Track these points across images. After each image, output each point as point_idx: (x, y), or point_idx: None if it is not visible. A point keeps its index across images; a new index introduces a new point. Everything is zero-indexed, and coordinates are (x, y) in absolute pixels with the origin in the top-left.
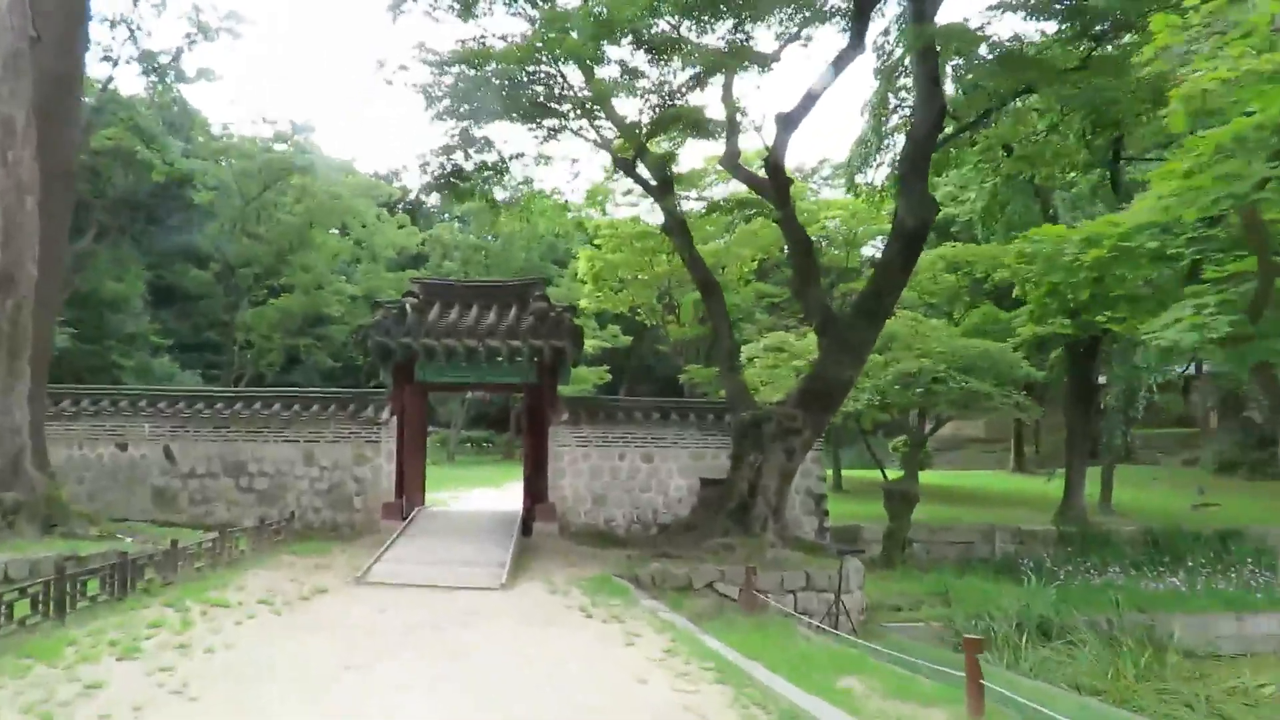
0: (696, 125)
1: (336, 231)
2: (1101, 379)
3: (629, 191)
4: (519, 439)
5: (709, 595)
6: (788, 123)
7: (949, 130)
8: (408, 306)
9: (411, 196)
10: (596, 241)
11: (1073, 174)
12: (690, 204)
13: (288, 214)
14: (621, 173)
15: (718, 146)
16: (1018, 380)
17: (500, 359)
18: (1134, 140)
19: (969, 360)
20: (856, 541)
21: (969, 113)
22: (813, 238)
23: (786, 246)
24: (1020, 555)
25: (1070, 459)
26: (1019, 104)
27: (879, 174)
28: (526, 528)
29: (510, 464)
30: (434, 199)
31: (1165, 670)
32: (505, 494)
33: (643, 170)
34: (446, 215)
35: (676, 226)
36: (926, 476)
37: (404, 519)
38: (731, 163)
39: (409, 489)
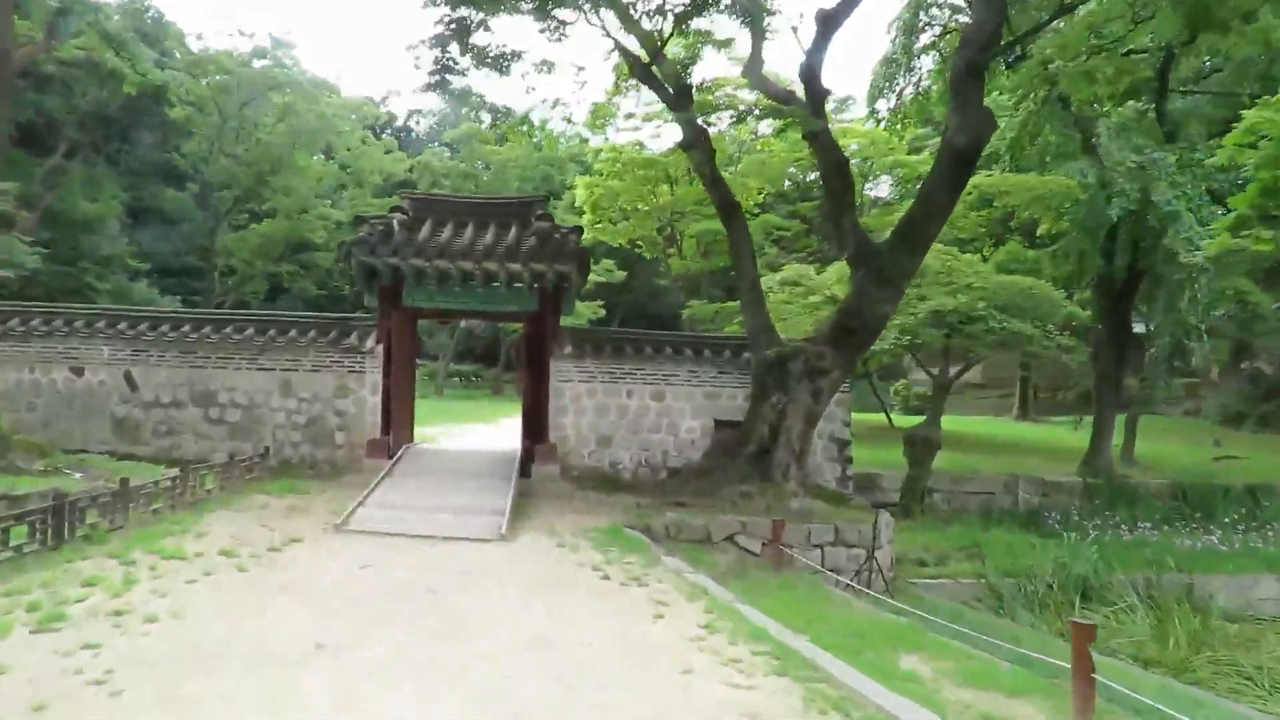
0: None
1: (321, 156)
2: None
3: (631, 115)
4: (508, 374)
5: (729, 550)
6: (828, 23)
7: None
8: (395, 223)
9: (400, 121)
10: (597, 167)
11: (1108, 107)
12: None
13: (268, 134)
14: (636, 81)
15: (734, 68)
16: (1058, 321)
17: (498, 284)
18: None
19: (1008, 298)
20: (875, 491)
21: (1023, 24)
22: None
23: (820, 167)
24: (1045, 508)
25: (1100, 407)
26: (1074, 15)
27: (904, 97)
28: (525, 469)
29: (500, 400)
30: (423, 126)
31: (1213, 637)
32: (500, 431)
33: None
34: (436, 143)
35: (697, 139)
36: None
37: (391, 457)
38: (756, 73)
39: (396, 425)
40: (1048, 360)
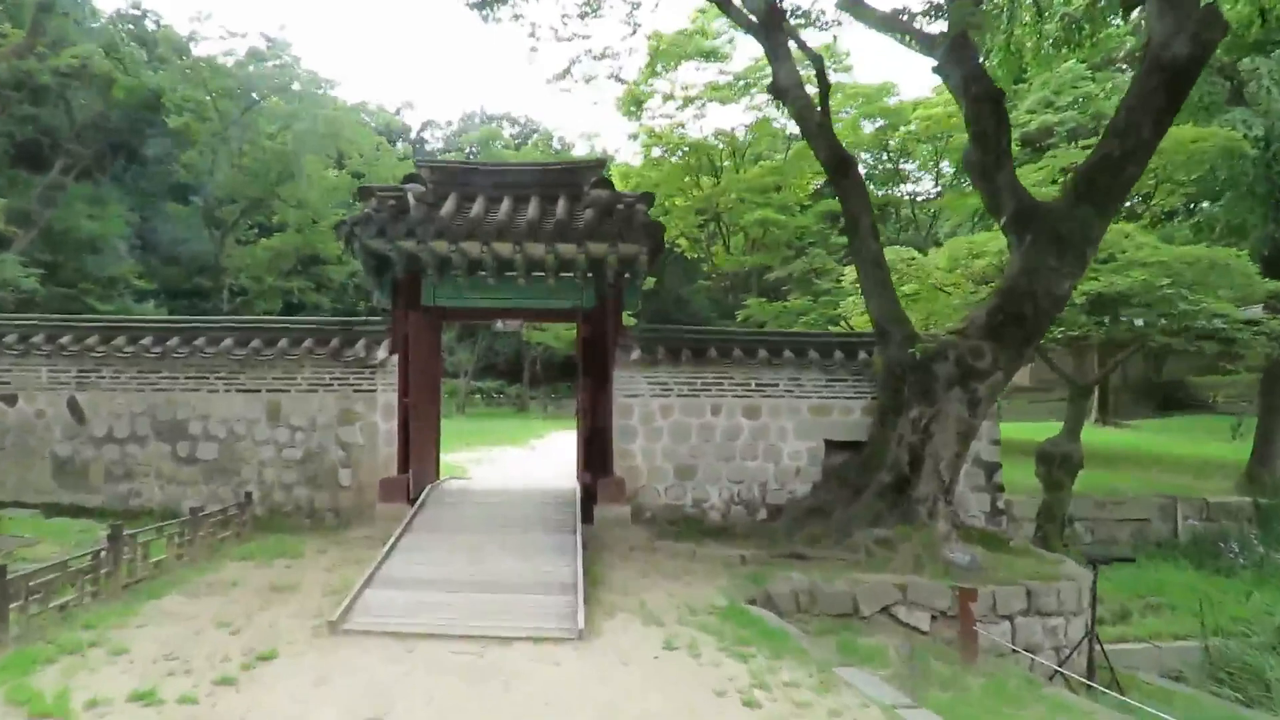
0: None
1: (335, 168)
2: None
3: (669, 98)
4: (533, 390)
5: (886, 626)
6: None
7: None
8: (411, 197)
9: (415, 133)
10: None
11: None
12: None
13: (273, 141)
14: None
15: None
16: (1257, 299)
17: (544, 272)
18: None
19: (1197, 274)
20: (1003, 522)
21: None
22: (896, 141)
23: (964, 104)
24: (1210, 536)
25: (1266, 412)
26: None
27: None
28: (585, 512)
29: (527, 417)
30: (437, 138)
31: None
32: (535, 456)
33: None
34: (452, 151)
35: (791, 83)
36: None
37: (411, 502)
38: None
39: (417, 459)
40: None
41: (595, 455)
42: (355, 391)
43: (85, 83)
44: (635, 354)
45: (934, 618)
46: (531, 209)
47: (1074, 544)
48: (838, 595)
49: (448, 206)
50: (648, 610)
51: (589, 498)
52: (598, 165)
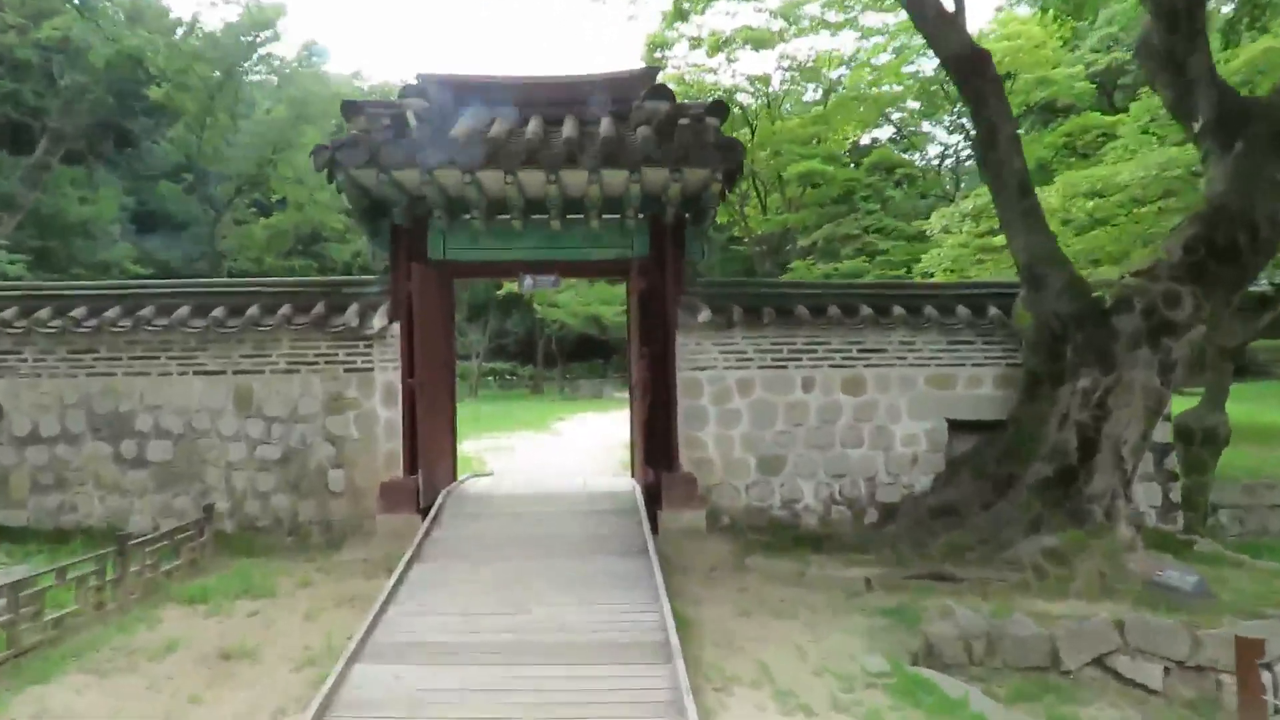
0: None
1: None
2: None
3: (697, 42)
4: (548, 371)
5: (1099, 683)
6: None
7: None
8: (411, 114)
9: None
10: None
11: None
12: None
13: (267, 112)
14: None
15: None
16: None
17: (585, 212)
18: None
19: None
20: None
21: None
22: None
23: None
24: None
25: None
26: None
27: None
28: (649, 519)
29: (542, 400)
30: None
31: None
32: (563, 444)
33: None
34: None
35: None
36: None
37: (421, 511)
38: None
39: (428, 455)
40: None
41: (655, 445)
42: (347, 371)
43: (69, 57)
44: (703, 315)
45: (1167, 670)
46: (568, 128)
47: (1220, 536)
48: (1028, 642)
49: (459, 126)
50: (776, 681)
51: (651, 499)
52: (649, 74)
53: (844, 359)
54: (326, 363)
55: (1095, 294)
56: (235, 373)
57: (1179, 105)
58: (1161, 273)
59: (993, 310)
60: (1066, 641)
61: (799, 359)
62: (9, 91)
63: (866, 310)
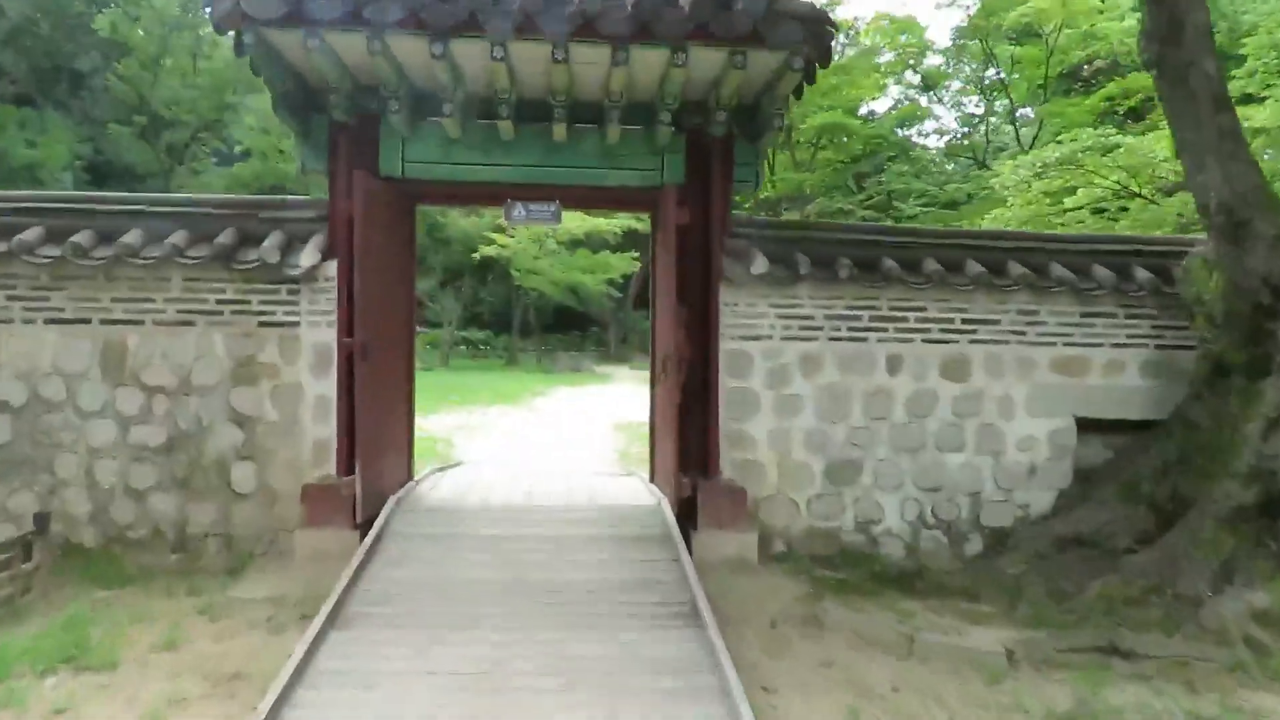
0: None
1: None
2: None
3: None
4: (524, 342)
5: None
6: None
7: None
8: None
9: None
10: None
11: None
12: None
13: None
14: None
15: None
16: None
17: (607, 116)
18: None
19: None
20: None
21: None
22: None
23: None
24: None
25: None
26: None
27: None
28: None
29: (518, 372)
30: None
31: None
32: (544, 422)
33: None
34: None
35: None
36: None
37: (361, 525)
38: None
39: (372, 445)
40: None
41: (689, 441)
42: (263, 325)
43: None
44: (758, 265)
45: None
46: None
47: None
48: None
49: None
50: None
51: (687, 516)
52: None
53: (943, 331)
54: (234, 313)
55: None
56: (103, 323)
57: None
58: None
59: (1141, 273)
60: None
61: (883, 329)
62: None
63: (977, 267)
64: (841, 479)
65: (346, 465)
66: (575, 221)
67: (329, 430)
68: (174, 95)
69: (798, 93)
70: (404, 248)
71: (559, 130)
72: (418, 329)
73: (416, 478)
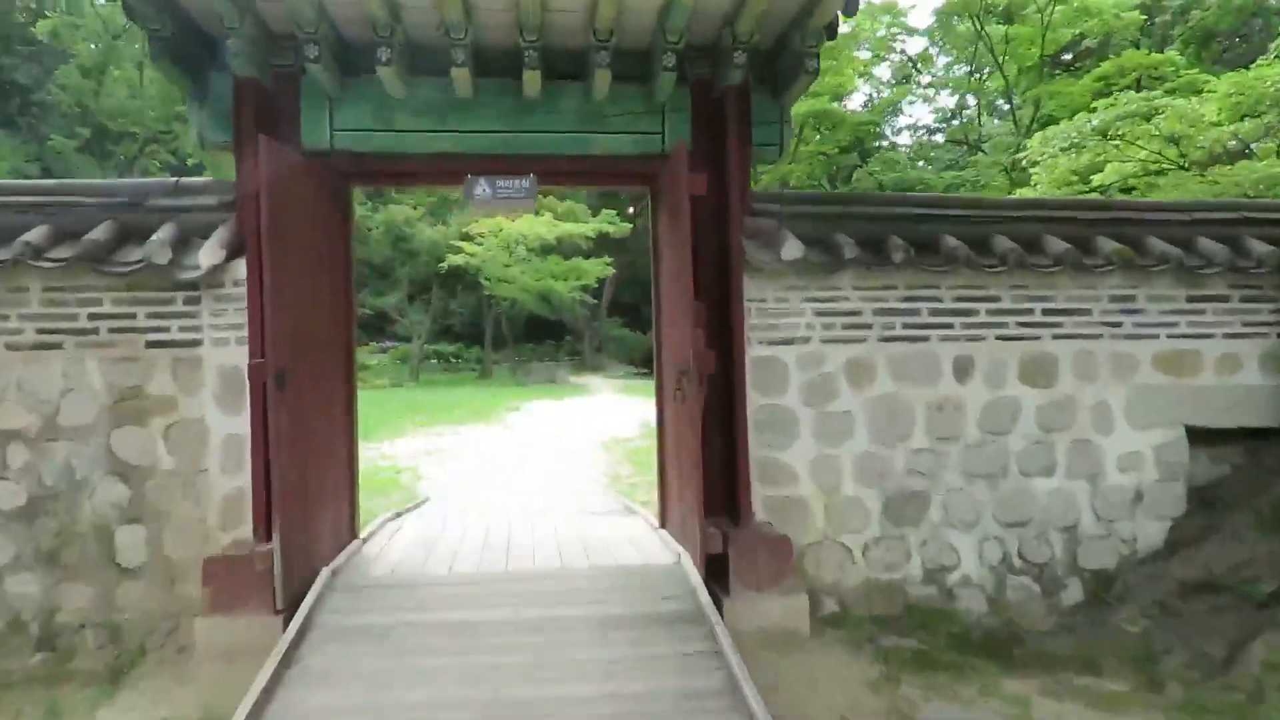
0: None
1: None
2: None
3: None
4: (497, 353)
5: None
6: None
7: None
8: None
9: None
10: None
11: None
12: None
13: None
14: None
15: None
16: None
17: (592, 66)
18: None
19: None
20: None
21: None
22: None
23: None
24: None
25: None
26: None
27: None
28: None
29: (491, 385)
30: None
31: None
32: (521, 443)
33: None
34: None
35: None
36: None
37: (284, 610)
38: None
39: (295, 500)
40: None
41: (711, 477)
42: (151, 346)
43: None
44: (790, 249)
45: None
46: None
47: None
48: None
49: None
50: None
51: (718, 577)
52: None
53: (1020, 325)
54: (113, 330)
55: None
56: None
57: None
58: None
59: (1257, 245)
60: None
61: (948, 325)
62: None
63: (1060, 244)
64: (904, 517)
65: (264, 527)
66: (546, 226)
67: (243, 481)
68: (120, 106)
69: (830, 32)
70: (337, 241)
71: (531, 83)
72: (385, 345)
73: (363, 534)
